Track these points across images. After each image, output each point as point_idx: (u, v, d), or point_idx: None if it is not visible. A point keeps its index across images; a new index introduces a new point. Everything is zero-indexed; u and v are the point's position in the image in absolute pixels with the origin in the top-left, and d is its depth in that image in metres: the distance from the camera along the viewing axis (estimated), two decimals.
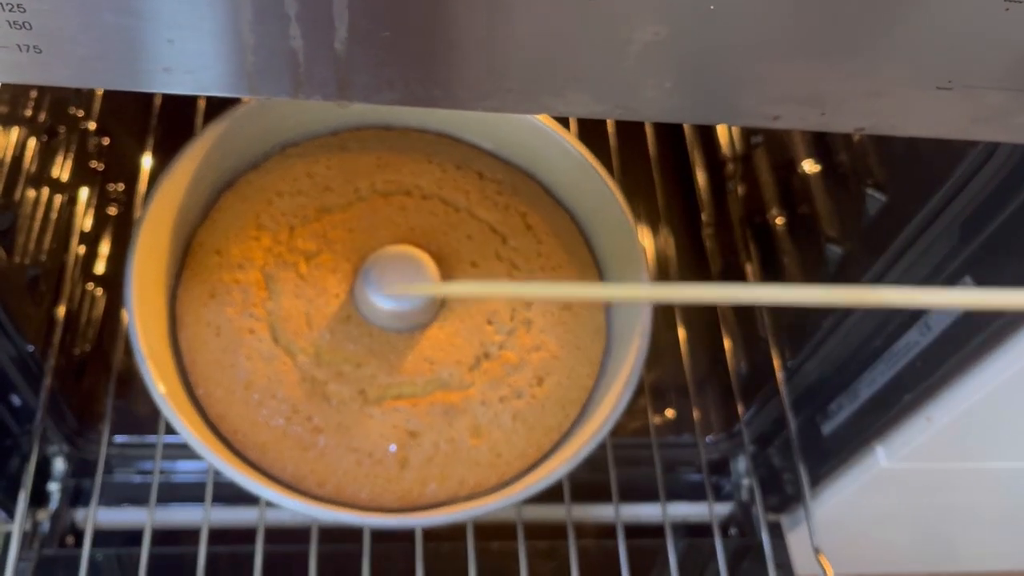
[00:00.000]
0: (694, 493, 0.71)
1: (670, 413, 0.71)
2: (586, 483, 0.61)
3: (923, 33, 0.27)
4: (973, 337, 0.50)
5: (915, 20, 0.27)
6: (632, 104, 0.30)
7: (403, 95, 0.31)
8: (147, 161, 0.70)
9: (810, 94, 0.29)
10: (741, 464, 0.71)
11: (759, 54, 0.28)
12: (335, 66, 0.30)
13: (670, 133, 0.83)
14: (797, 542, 0.69)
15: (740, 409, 0.69)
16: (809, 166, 0.63)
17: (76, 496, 0.65)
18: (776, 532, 0.69)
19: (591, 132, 0.68)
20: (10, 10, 0.29)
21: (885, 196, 0.52)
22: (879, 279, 0.54)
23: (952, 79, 0.28)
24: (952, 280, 0.50)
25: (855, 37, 0.27)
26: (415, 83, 0.31)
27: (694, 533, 0.70)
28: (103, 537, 0.61)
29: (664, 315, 0.71)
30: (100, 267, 0.69)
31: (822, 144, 0.61)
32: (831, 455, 0.64)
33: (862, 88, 0.29)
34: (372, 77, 0.31)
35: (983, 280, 0.48)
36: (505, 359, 0.55)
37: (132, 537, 0.64)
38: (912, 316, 0.54)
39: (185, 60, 0.30)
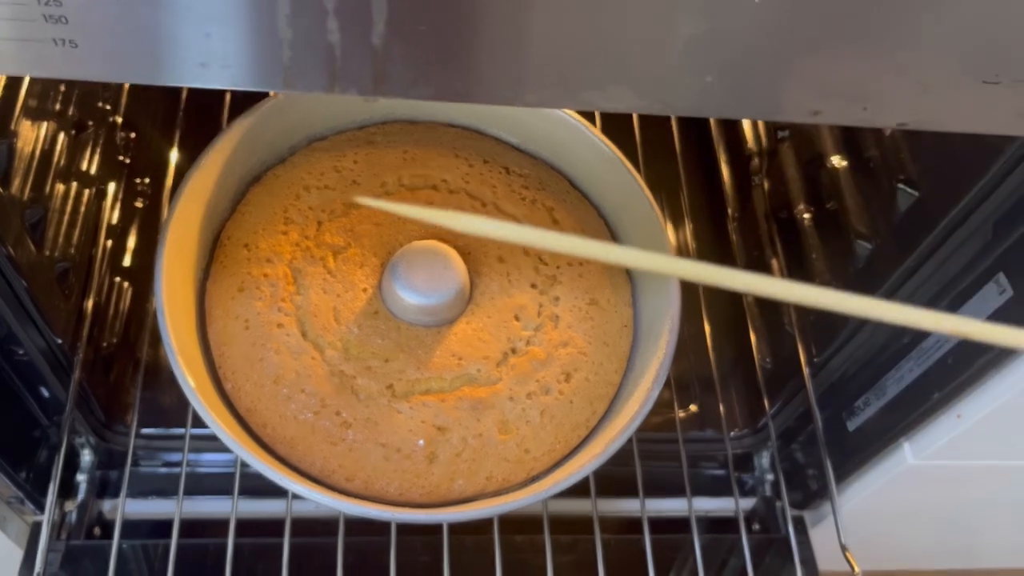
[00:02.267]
0: (715, 488, 0.71)
1: (694, 408, 0.71)
2: (610, 477, 0.61)
3: (971, 25, 0.27)
4: None
5: (963, 12, 0.26)
6: (673, 99, 0.29)
7: (439, 90, 0.31)
8: (173, 155, 0.70)
9: (853, 89, 0.28)
10: (764, 459, 0.71)
11: (802, 48, 0.28)
12: (372, 60, 0.30)
13: (695, 127, 0.82)
14: (817, 538, 0.68)
15: (766, 404, 0.69)
16: (837, 161, 0.62)
17: (103, 488, 0.66)
18: (800, 528, 0.69)
19: (616, 126, 0.68)
20: (46, 4, 0.29)
21: (917, 192, 0.52)
22: (909, 276, 0.53)
23: (1000, 73, 0.27)
24: (985, 277, 0.50)
25: (901, 30, 0.27)
26: (452, 78, 0.30)
27: (715, 528, 0.70)
28: (128, 528, 0.62)
29: (689, 308, 0.71)
30: (127, 260, 0.69)
31: (851, 139, 0.60)
32: (857, 451, 0.63)
33: (907, 83, 0.28)
34: (408, 71, 0.30)
35: (1017, 278, 0.48)
36: (533, 355, 0.54)
37: (157, 528, 0.65)
38: None
39: (221, 54, 0.30)
